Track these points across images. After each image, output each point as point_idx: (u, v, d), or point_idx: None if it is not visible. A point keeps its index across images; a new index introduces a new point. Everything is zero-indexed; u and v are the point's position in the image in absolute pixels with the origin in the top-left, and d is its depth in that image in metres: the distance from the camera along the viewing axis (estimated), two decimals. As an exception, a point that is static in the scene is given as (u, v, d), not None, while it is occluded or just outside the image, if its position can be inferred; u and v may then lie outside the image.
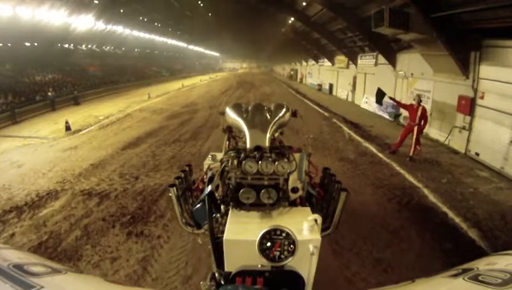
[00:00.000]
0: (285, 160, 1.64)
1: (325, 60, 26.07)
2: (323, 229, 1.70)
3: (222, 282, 1.50)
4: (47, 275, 0.98)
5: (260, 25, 33.52)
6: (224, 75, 56.61)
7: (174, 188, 1.92)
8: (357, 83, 20.41)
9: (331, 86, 25.22)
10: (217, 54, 78.01)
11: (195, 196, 2.16)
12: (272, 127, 1.85)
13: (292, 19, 22.98)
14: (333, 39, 19.93)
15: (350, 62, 21.06)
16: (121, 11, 30.02)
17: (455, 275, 1.11)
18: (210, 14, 34.45)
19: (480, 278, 1.03)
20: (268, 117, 1.92)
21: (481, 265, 1.16)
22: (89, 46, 35.99)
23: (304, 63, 36.29)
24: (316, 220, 1.47)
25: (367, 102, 18.50)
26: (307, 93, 24.72)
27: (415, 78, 13.49)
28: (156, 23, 38.53)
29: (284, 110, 2.02)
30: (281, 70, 56.72)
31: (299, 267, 1.45)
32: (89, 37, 32.83)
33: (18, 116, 17.40)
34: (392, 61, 15.48)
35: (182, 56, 58.87)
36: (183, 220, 1.93)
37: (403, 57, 14.70)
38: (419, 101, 8.29)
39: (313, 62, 31.04)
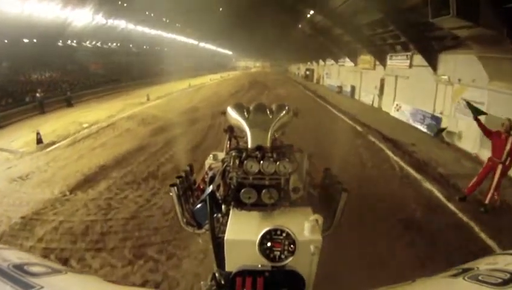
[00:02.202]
0: (287, 160, 1.63)
1: (346, 59, 23.24)
2: (323, 230, 1.61)
3: (222, 282, 1.51)
4: (47, 275, 0.95)
5: (275, 20, 31.02)
6: (237, 74, 54.15)
7: (175, 187, 1.88)
8: (385, 86, 17.59)
9: (353, 88, 22.36)
10: (229, 53, 75.94)
11: (196, 196, 2.10)
12: (273, 127, 1.83)
13: (312, 12, 20.21)
14: (359, 35, 17.11)
15: (377, 62, 18.29)
16: (125, 5, 28.00)
17: (455, 275, 1.06)
18: (221, 9, 31.98)
19: (480, 277, 0.99)
20: (270, 117, 1.90)
21: (481, 265, 1.11)
22: (93, 42, 34.21)
23: (322, 63, 33.39)
24: (317, 221, 1.45)
25: (398, 110, 15.71)
26: (327, 97, 21.90)
27: (463, 85, 10.78)
28: (164, 19, 36.46)
29: (286, 110, 1.98)
30: (296, 70, 54.00)
31: (299, 267, 1.42)
32: (93, 33, 31.03)
33: (3, 120, 15.54)
34: (432, 63, 12.79)
35: (192, 54, 56.67)
36: (184, 220, 1.89)
37: (447, 58, 12.00)
38: (510, 129, 5.49)
39: (332, 62, 28.17)
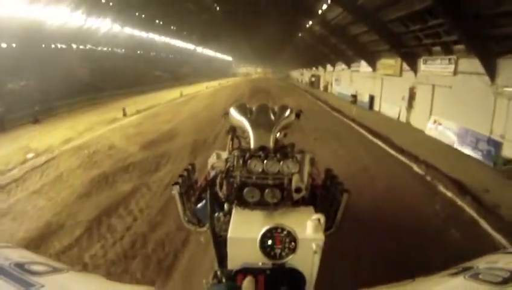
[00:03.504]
0: (290, 160, 1.66)
1: (362, 64, 20.07)
2: (325, 229, 1.58)
3: (224, 279, 1.54)
4: (48, 274, 0.97)
5: (278, 22, 28.04)
6: (236, 81, 51.04)
7: (178, 186, 1.91)
8: (416, 97, 14.32)
9: (371, 98, 19.03)
10: (229, 58, 73.45)
11: (198, 194, 2.11)
12: (276, 128, 1.86)
13: (324, 6, 16.99)
14: (386, 34, 13.89)
15: (404, 67, 15.10)
16: (110, 4, 25.05)
17: (455, 274, 1.08)
18: (218, 9, 28.94)
19: (480, 276, 1.00)
20: (273, 118, 1.92)
21: (481, 264, 1.11)
22: (80, 46, 31.18)
23: (330, 68, 30.16)
24: (319, 220, 1.46)
25: (437, 128, 12.44)
26: (343, 109, 18.50)
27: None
28: (157, 21, 33.52)
29: (288, 111, 2.01)
30: (299, 76, 51.08)
31: (300, 265, 1.46)
32: (79, 36, 28.13)
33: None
34: (489, 70, 9.61)
35: (190, 59, 53.74)
36: (186, 219, 1.93)
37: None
38: None
39: (343, 66, 24.95)
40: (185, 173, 2.07)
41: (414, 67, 14.07)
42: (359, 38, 17.46)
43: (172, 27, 36.21)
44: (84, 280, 1.18)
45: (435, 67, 12.82)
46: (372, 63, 18.45)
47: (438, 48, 12.31)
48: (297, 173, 1.67)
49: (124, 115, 15.76)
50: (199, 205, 1.96)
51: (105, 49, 34.57)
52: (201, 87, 35.37)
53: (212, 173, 2.05)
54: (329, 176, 2.07)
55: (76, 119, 15.60)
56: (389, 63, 16.57)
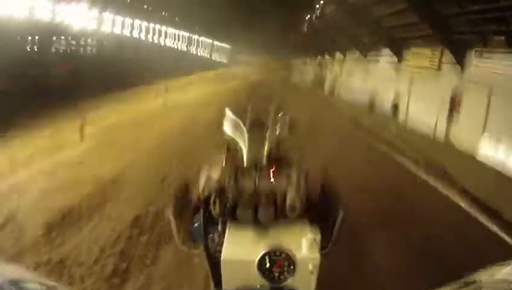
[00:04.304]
0: (284, 177, 1.49)
1: (384, 52, 16.07)
2: (322, 247, 1.44)
3: None
4: None
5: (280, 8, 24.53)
6: (234, 72, 47.09)
7: (172, 206, 1.69)
8: (463, 103, 10.43)
9: (395, 102, 14.63)
10: (227, 46, 70.61)
11: (192, 214, 1.77)
12: (269, 142, 1.64)
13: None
14: (426, 15, 10.15)
15: (443, 60, 11.35)
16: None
17: (457, 289, 0.88)
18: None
19: None
20: (267, 132, 1.69)
21: (484, 276, 0.90)
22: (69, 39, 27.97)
23: (340, 56, 25.77)
24: (314, 238, 1.36)
25: (494, 152, 8.84)
26: (360, 119, 14.44)
27: None
28: (145, 6, 30.08)
29: (283, 123, 1.79)
30: (301, 65, 47.60)
31: (298, 285, 1.35)
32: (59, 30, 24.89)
33: None
34: None
35: (183, 52, 50.16)
36: (181, 240, 1.70)
37: None
38: None
39: (357, 54, 20.54)
40: (180, 194, 1.73)
41: (461, 61, 10.26)
42: (383, 21, 13.69)
43: (164, 13, 32.78)
44: None
45: (493, 64, 9.11)
46: (398, 52, 14.50)
47: (498, 38, 8.66)
48: (292, 189, 1.45)
49: (81, 134, 11.78)
50: (194, 226, 1.69)
51: (89, 40, 31.30)
52: (193, 79, 32.08)
53: (206, 192, 1.64)
54: (326, 188, 1.71)
55: (28, 141, 11.80)
56: (423, 53, 12.60)
